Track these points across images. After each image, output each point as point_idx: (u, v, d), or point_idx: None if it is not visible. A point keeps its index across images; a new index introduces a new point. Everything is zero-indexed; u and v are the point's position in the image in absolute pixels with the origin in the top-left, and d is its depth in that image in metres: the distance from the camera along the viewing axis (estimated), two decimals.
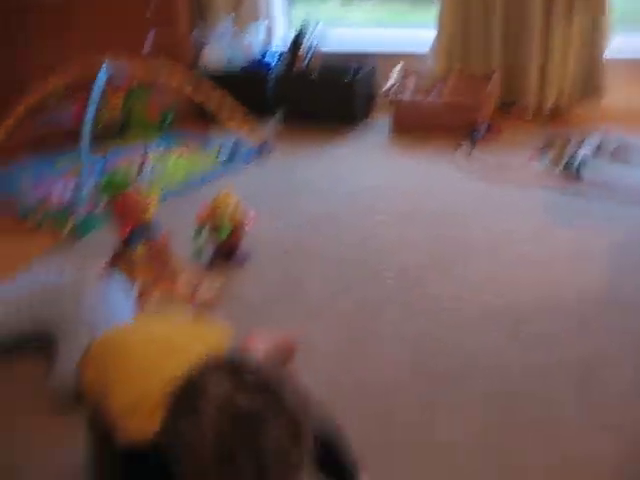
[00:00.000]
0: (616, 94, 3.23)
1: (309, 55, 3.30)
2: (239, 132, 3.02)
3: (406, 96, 3.13)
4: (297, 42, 3.30)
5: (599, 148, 2.82)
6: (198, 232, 2.04)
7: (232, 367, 0.86)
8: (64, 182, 2.73)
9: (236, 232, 2.02)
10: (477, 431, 1.38)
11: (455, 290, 1.92)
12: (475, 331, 1.73)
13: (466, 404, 1.47)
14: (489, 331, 1.72)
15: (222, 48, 3.42)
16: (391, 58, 3.49)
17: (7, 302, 1.71)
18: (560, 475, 1.27)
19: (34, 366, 1.64)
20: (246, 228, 2.06)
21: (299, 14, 3.83)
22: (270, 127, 3.35)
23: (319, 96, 3.28)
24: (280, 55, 3.50)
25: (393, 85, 3.20)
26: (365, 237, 2.26)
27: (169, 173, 2.83)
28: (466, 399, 1.48)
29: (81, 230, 2.31)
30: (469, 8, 3.28)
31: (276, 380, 0.86)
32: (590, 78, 3.24)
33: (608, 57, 3.19)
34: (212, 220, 2.00)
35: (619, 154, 2.80)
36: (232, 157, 2.93)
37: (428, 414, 1.45)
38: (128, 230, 1.88)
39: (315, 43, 3.33)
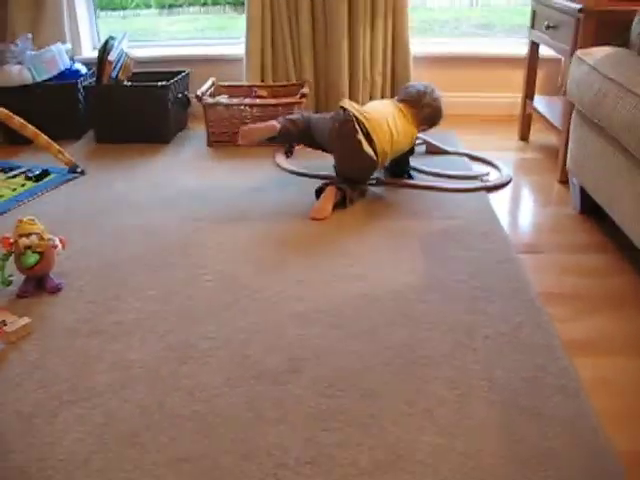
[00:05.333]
0: None
1: (118, 66, 3.17)
2: (47, 154, 2.84)
3: (220, 102, 3.09)
4: (104, 54, 3.17)
5: None
6: (3, 260, 1.89)
7: None
8: None
9: (45, 259, 1.90)
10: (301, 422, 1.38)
11: (274, 287, 1.93)
12: (298, 325, 1.74)
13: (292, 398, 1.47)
14: (312, 325, 1.74)
15: (23, 66, 3.21)
16: (206, 66, 3.51)
17: None
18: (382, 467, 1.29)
19: None
20: (56, 252, 1.94)
21: (111, 27, 3.76)
22: (81, 146, 3.20)
23: (132, 104, 3.15)
24: (88, 69, 3.36)
25: (207, 91, 3.17)
26: (184, 242, 2.22)
27: None
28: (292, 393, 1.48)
29: None
30: (276, 20, 3.33)
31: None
32: (398, 77, 3.43)
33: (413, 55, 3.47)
34: (17, 248, 1.87)
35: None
36: (40, 181, 2.75)
37: (254, 411, 1.44)
38: None
39: (124, 54, 3.21)
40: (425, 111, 2.59)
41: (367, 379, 1.53)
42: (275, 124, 2.49)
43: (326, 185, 2.42)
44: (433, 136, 3.03)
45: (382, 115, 2.47)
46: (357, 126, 2.37)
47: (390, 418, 1.41)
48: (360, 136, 2.36)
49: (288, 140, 2.67)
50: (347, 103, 2.46)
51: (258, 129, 2.52)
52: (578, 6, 2.45)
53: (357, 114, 2.40)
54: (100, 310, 1.84)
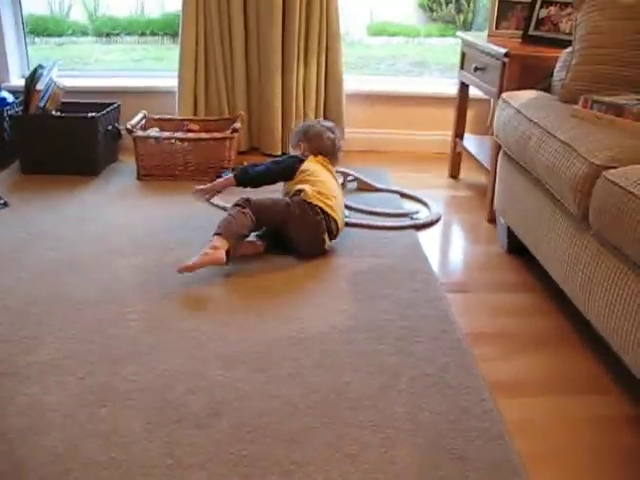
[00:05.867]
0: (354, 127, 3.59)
1: (46, 95, 3.10)
2: None
3: (151, 136, 3.05)
4: (31, 83, 3.09)
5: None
6: None
7: None
8: None
9: None
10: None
11: (199, 328, 1.87)
12: (222, 367, 1.70)
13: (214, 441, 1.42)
14: (236, 367, 1.70)
15: None
16: (139, 98, 3.46)
17: None
18: None
19: None
20: None
21: (45, 53, 3.69)
22: (6, 177, 3.10)
23: (60, 135, 3.05)
24: (15, 97, 3.27)
25: (138, 124, 3.12)
26: (110, 279, 2.15)
27: None
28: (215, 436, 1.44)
29: None
30: (209, 53, 3.33)
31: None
32: (331, 114, 3.46)
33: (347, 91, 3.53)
34: None
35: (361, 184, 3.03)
36: None
37: (174, 457, 1.38)
38: None
39: (53, 83, 3.14)
40: (337, 156, 2.70)
41: (290, 424, 1.50)
42: (222, 258, 2.13)
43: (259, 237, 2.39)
44: (365, 173, 3.05)
45: (338, 196, 2.45)
46: (324, 225, 2.32)
47: (313, 464, 1.38)
48: (325, 235, 2.33)
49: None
50: (312, 196, 2.32)
51: (202, 263, 2.12)
52: (504, 50, 2.52)
53: (328, 211, 2.32)
54: (17, 350, 1.76)
